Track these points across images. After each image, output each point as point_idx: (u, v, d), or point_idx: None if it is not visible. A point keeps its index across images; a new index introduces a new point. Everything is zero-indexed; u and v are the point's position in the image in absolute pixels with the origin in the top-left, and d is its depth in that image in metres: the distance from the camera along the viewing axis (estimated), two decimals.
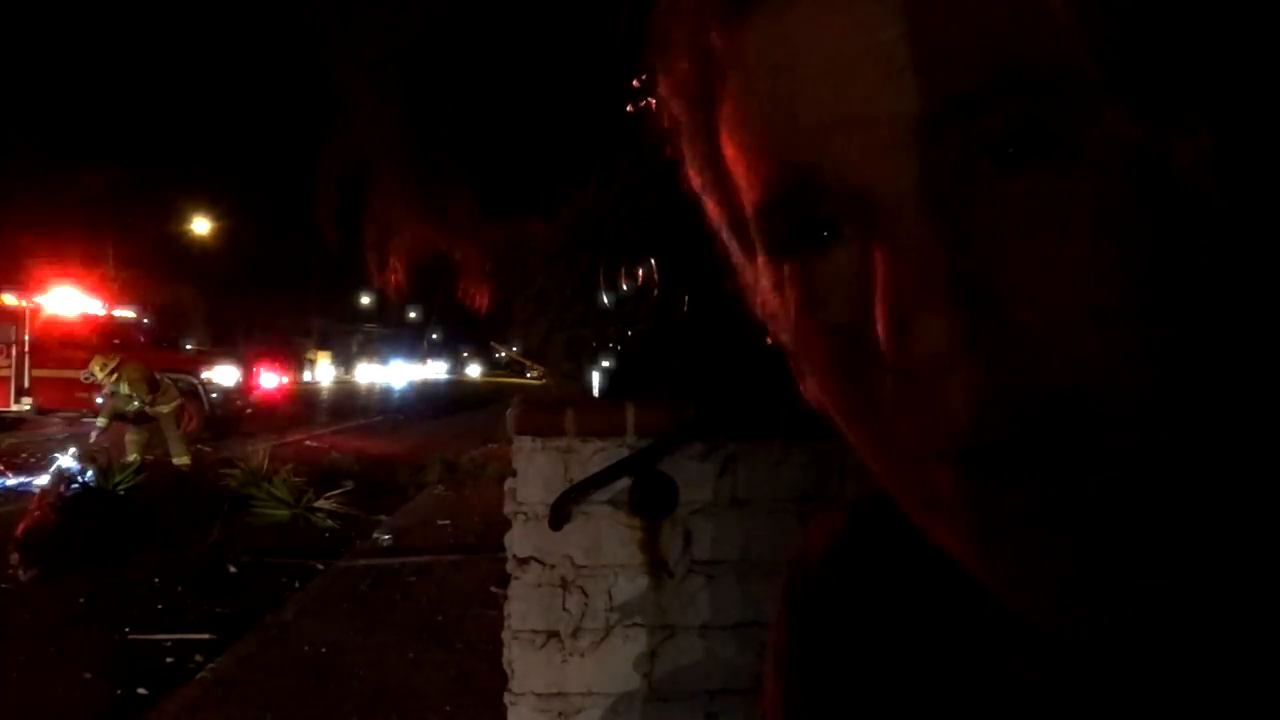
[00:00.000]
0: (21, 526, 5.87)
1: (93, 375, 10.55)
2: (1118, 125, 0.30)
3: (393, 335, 66.57)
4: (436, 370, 71.75)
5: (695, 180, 0.40)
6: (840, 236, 0.32)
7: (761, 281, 0.38)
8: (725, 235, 0.40)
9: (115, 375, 10.43)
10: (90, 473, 7.52)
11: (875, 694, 0.43)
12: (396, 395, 32.83)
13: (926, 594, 0.42)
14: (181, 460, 10.51)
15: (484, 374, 70.00)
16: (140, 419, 10.51)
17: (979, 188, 0.30)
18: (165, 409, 10.64)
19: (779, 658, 0.50)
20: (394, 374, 53.02)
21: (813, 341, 0.35)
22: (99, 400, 10.76)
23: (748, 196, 0.36)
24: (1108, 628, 0.33)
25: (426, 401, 27.34)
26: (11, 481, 9.70)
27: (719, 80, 0.35)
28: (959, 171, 0.30)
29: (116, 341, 14.71)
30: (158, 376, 10.85)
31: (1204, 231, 0.32)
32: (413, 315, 64.25)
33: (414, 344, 70.42)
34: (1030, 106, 0.29)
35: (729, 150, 0.36)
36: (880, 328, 0.30)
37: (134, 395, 10.34)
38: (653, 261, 2.54)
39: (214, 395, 15.17)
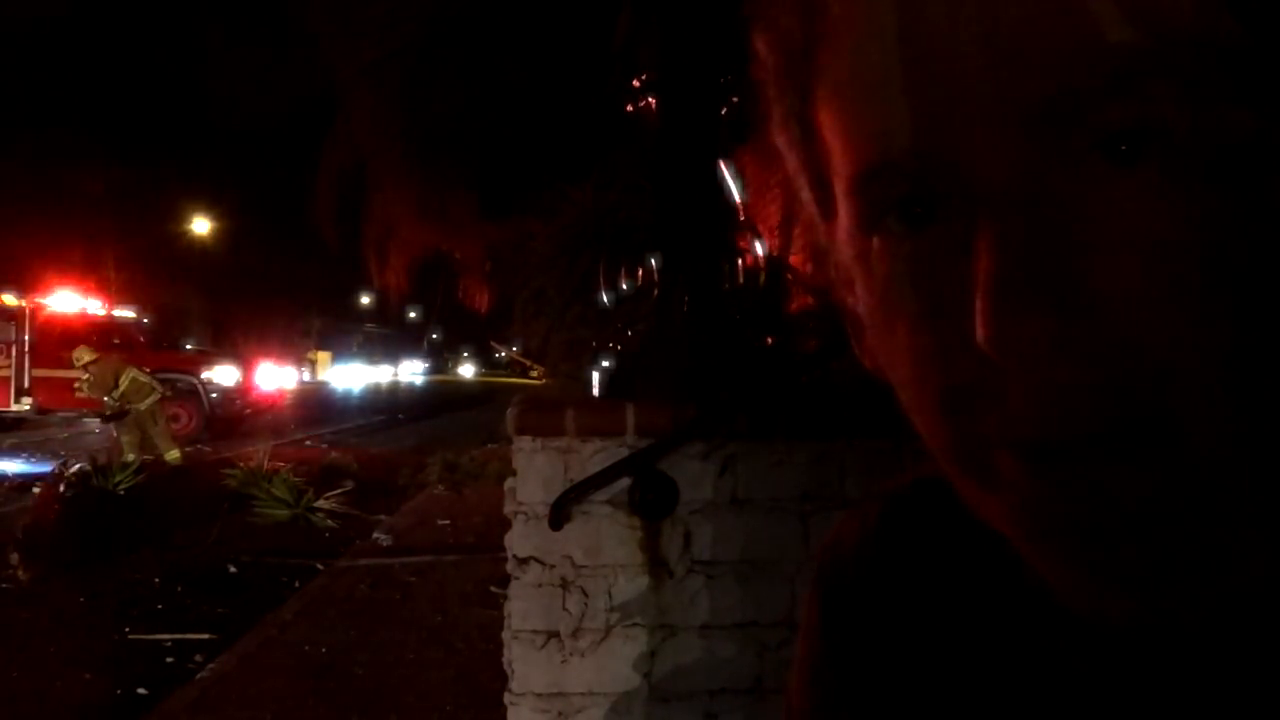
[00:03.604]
0: (21, 526, 5.87)
1: (78, 360, 11.45)
2: (1223, 125, 0.30)
3: (392, 335, 66.28)
4: (412, 371, 65.71)
5: (778, 137, 0.40)
6: (936, 218, 0.32)
7: (840, 246, 0.38)
8: (804, 197, 0.40)
9: (86, 372, 11.25)
10: (85, 467, 7.54)
11: (914, 679, 0.43)
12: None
13: (968, 581, 0.42)
14: (171, 455, 10.71)
15: (480, 374, 68.66)
16: (120, 416, 10.97)
17: (1092, 184, 0.29)
18: (141, 406, 10.89)
19: (810, 646, 0.50)
20: (344, 377, 44.26)
21: (893, 317, 0.34)
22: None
23: (843, 164, 0.35)
24: (1166, 623, 0.33)
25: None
26: (17, 468, 9.76)
27: (826, 41, 0.34)
28: (1073, 165, 0.30)
29: (116, 341, 14.74)
30: (121, 376, 11.15)
31: None
32: (413, 315, 64.06)
33: (411, 343, 69.71)
34: (1148, 102, 0.29)
35: (826, 113, 0.35)
36: (979, 318, 0.29)
37: (95, 389, 11.15)
38: (653, 261, 2.54)
39: (214, 395, 15.17)
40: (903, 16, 0.31)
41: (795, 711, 0.50)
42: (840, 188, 0.35)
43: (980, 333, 0.29)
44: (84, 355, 11.44)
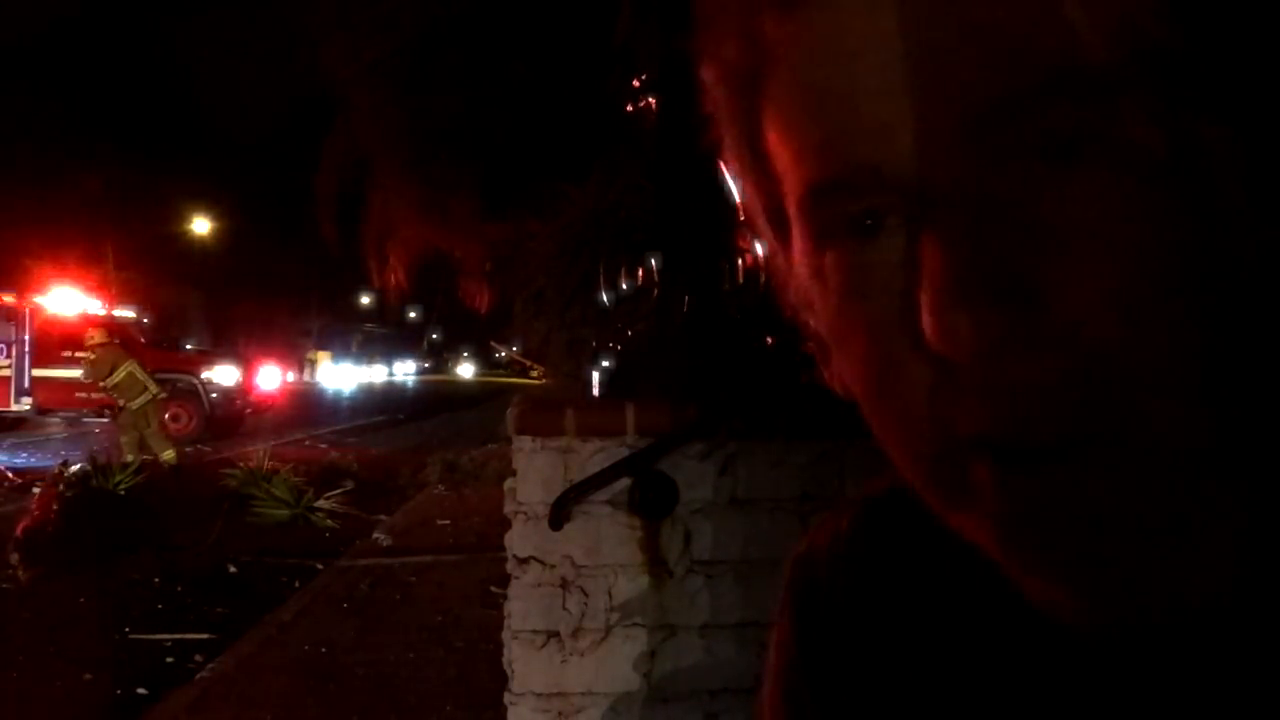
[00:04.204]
0: (21, 526, 5.87)
1: (89, 339, 11.69)
2: (1155, 129, 0.31)
3: (392, 335, 66.18)
4: (404, 371, 64.82)
5: (731, 165, 0.40)
6: (885, 227, 0.32)
7: (798, 269, 0.38)
8: (759, 222, 0.40)
9: (91, 353, 11.44)
10: (85, 467, 7.55)
11: (890, 688, 0.43)
12: None
13: (942, 588, 0.42)
14: (167, 455, 10.72)
15: (479, 374, 68.32)
16: (117, 412, 11.21)
17: (1030, 184, 0.30)
18: (132, 405, 10.94)
19: (782, 655, 0.50)
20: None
21: (852, 330, 0.35)
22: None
23: (792, 184, 0.35)
24: (1131, 623, 0.33)
25: None
26: (17, 468, 9.78)
27: (767, 67, 0.35)
28: (1012, 167, 0.30)
29: (116, 341, 14.78)
30: (119, 368, 11.25)
31: (1241, 232, 0.32)
32: (412, 315, 64.00)
33: (411, 343, 69.46)
34: (1081, 106, 0.30)
35: (773, 137, 0.36)
36: (927, 316, 0.30)
37: (91, 372, 11.41)
38: (653, 261, 2.54)
39: (214, 395, 15.16)
40: (837, 34, 0.32)
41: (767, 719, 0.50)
42: (792, 207, 0.36)
43: (929, 331, 0.30)
44: (95, 336, 11.63)
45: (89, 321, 15.41)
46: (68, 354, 14.94)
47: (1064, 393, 0.30)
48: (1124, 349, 0.30)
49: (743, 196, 0.41)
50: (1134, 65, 0.30)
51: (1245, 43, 0.33)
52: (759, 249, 0.43)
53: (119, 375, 11.13)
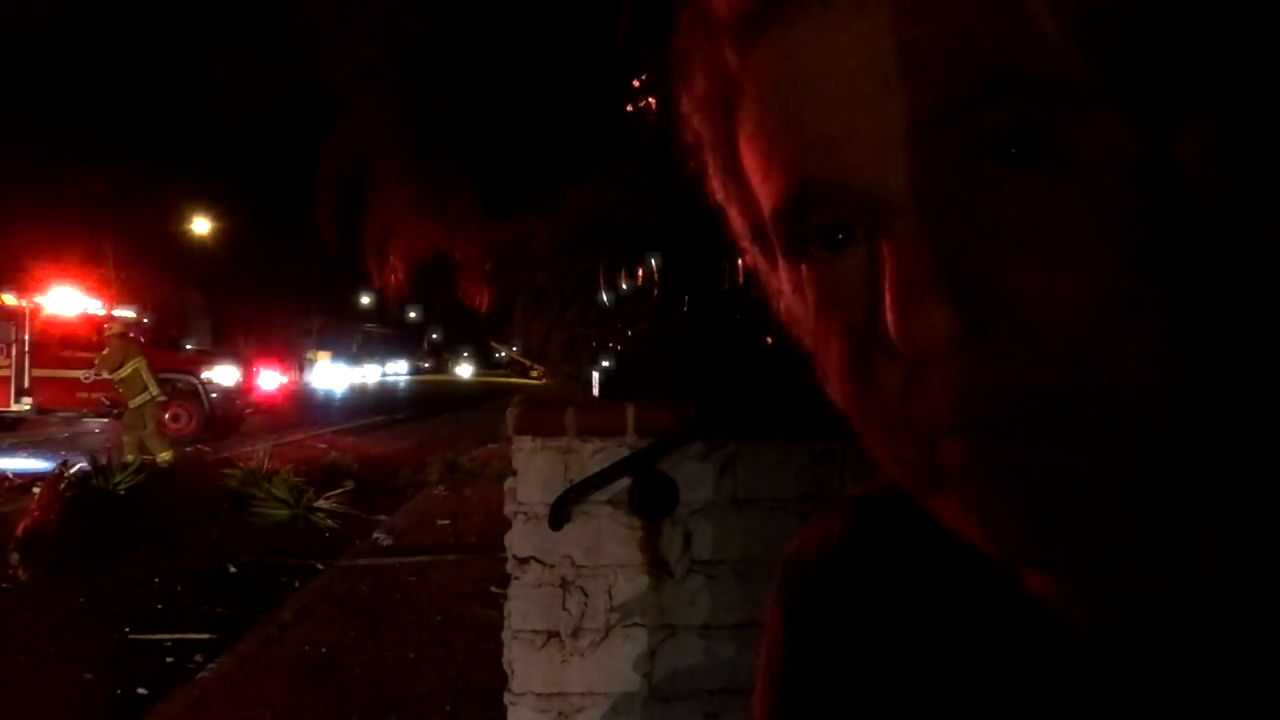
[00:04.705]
0: (21, 526, 5.86)
1: (108, 330, 11.97)
2: (1115, 129, 0.32)
3: (392, 335, 66.14)
4: (396, 371, 64.08)
5: (718, 192, 0.42)
6: (852, 239, 0.34)
7: (783, 287, 0.40)
8: (747, 244, 0.42)
9: (107, 345, 11.67)
10: (85, 467, 7.54)
11: (880, 684, 0.43)
12: None
13: (933, 585, 0.42)
14: (163, 457, 10.74)
15: (479, 373, 68.22)
16: (123, 411, 11.35)
17: (981, 186, 0.31)
18: (133, 404, 11.04)
19: (773, 653, 0.50)
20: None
21: (830, 340, 0.36)
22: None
23: (765, 204, 0.37)
24: (1121, 615, 0.34)
25: None
26: (17, 468, 9.77)
27: (735, 96, 0.37)
28: (961, 171, 0.31)
29: (131, 335, 14.79)
30: (128, 363, 11.35)
31: (1208, 228, 0.34)
32: (413, 315, 63.98)
33: (411, 343, 69.35)
34: (1028, 107, 0.31)
35: (747, 161, 0.38)
36: (889, 317, 0.31)
37: (103, 364, 11.63)
38: (653, 261, 2.54)
39: (214, 395, 15.15)
40: (792, 62, 0.34)
41: None
42: (769, 226, 0.38)
43: (892, 331, 0.31)
44: (114, 327, 11.85)
45: (104, 317, 15.44)
46: (68, 354, 14.94)
47: (1011, 390, 0.30)
48: (1075, 350, 0.30)
49: (729, 221, 0.43)
50: (1107, 72, 0.31)
51: (1217, 42, 0.33)
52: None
53: (126, 370, 11.19)
